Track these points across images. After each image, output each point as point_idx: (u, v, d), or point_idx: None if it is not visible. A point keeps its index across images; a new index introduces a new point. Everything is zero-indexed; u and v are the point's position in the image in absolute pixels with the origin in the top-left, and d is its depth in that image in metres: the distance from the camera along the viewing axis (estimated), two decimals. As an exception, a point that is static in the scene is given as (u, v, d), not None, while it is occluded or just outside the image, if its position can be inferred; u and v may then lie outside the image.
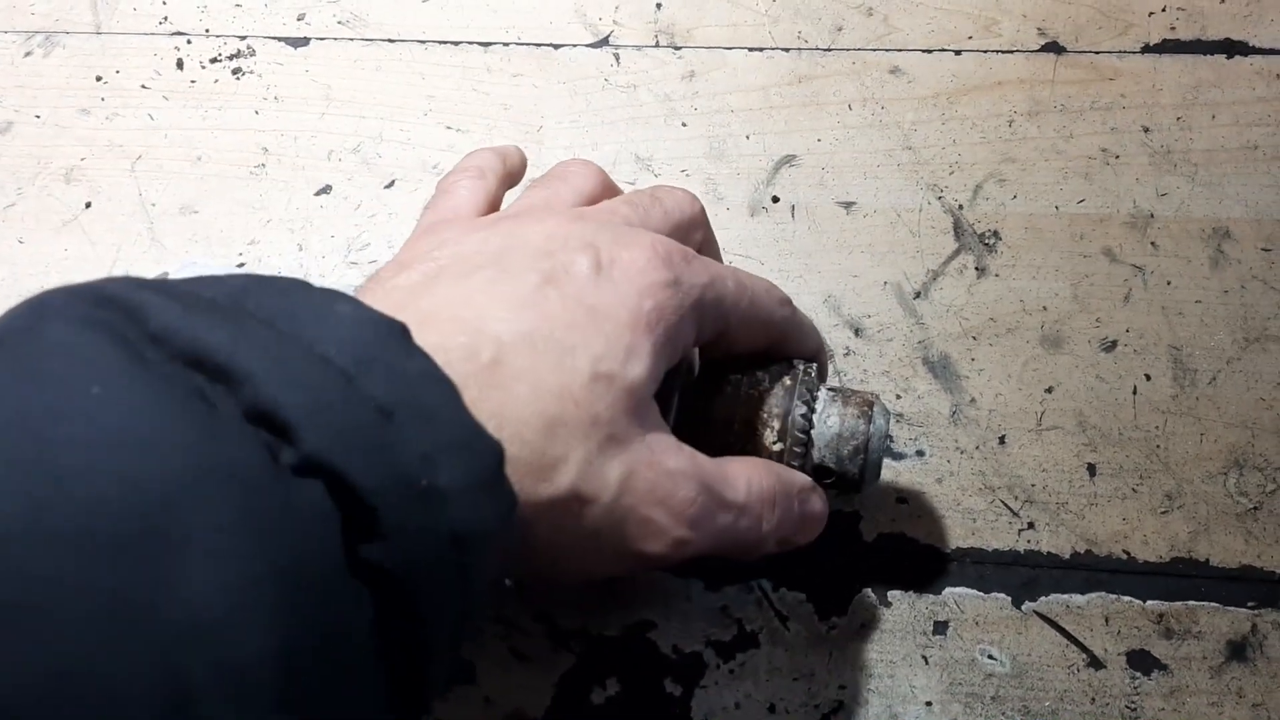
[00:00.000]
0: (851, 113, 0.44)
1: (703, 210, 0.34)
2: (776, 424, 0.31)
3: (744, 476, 0.30)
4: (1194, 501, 0.37)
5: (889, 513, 0.37)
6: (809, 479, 0.32)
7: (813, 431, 0.32)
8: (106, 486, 0.17)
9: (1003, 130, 0.44)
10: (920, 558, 0.37)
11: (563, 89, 0.46)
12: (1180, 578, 0.36)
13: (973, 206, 0.42)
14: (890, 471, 0.38)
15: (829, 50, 0.46)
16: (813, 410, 0.32)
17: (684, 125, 0.45)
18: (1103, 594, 0.36)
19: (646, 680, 0.35)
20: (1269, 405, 0.38)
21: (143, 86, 0.47)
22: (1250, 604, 0.35)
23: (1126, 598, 0.36)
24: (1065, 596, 0.36)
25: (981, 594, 0.36)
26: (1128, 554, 0.36)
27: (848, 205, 0.43)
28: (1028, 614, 0.36)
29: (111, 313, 0.20)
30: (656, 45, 0.47)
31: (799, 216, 0.43)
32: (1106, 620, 0.35)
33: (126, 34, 0.49)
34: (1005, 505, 0.37)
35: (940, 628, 0.36)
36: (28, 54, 0.48)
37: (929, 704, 0.35)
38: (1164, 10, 0.45)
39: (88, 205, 0.45)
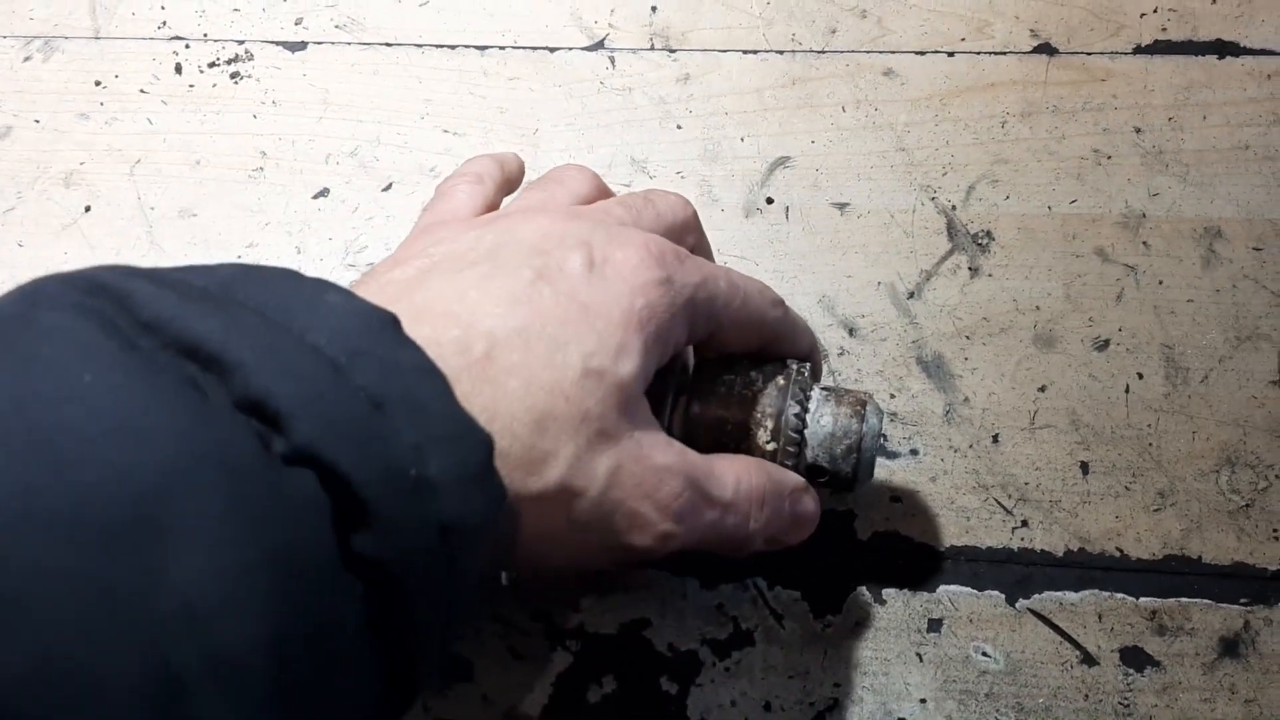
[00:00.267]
0: (845, 114, 0.45)
1: (695, 214, 0.34)
2: (770, 423, 0.31)
3: (733, 474, 0.30)
4: (1186, 499, 0.37)
5: (883, 511, 0.38)
6: (801, 479, 0.32)
7: (806, 431, 0.32)
8: (98, 474, 0.17)
9: (995, 131, 0.44)
10: (914, 556, 0.37)
11: (558, 92, 0.46)
12: (1173, 575, 0.36)
13: (966, 207, 0.42)
14: (884, 470, 0.38)
15: (823, 53, 0.46)
16: (806, 410, 0.32)
17: (679, 127, 0.45)
18: (1096, 591, 0.36)
19: (643, 678, 0.36)
20: (1260, 403, 0.38)
21: (141, 91, 0.48)
22: (1242, 601, 0.36)
23: (1119, 595, 0.36)
24: (1059, 594, 0.36)
25: (975, 592, 0.36)
26: (1120, 551, 0.37)
27: (842, 206, 0.43)
28: (1021, 611, 0.36)
29: (104, 300, 0.21)
30: (651, 48, 0.47)
31: (793, 218, 0.43)
32: (1100, 617, 0.36)
33: (125, 39, 0.49)
34: (999, 503, 0.37)
35: (934, 625, 0.36)
36: (27, 59, 0.49)
37: (923, 701, 0.35)
38: (1155, 11, 0.46)
39: (87, 209, 0.45)
